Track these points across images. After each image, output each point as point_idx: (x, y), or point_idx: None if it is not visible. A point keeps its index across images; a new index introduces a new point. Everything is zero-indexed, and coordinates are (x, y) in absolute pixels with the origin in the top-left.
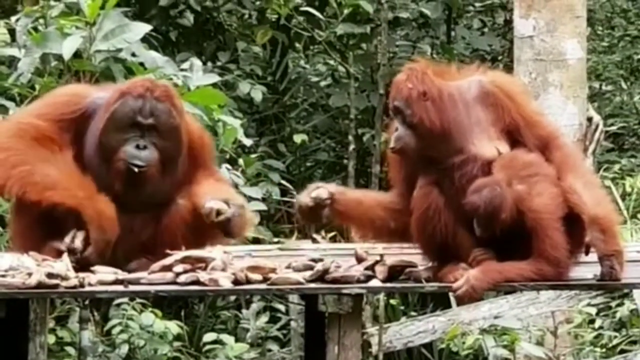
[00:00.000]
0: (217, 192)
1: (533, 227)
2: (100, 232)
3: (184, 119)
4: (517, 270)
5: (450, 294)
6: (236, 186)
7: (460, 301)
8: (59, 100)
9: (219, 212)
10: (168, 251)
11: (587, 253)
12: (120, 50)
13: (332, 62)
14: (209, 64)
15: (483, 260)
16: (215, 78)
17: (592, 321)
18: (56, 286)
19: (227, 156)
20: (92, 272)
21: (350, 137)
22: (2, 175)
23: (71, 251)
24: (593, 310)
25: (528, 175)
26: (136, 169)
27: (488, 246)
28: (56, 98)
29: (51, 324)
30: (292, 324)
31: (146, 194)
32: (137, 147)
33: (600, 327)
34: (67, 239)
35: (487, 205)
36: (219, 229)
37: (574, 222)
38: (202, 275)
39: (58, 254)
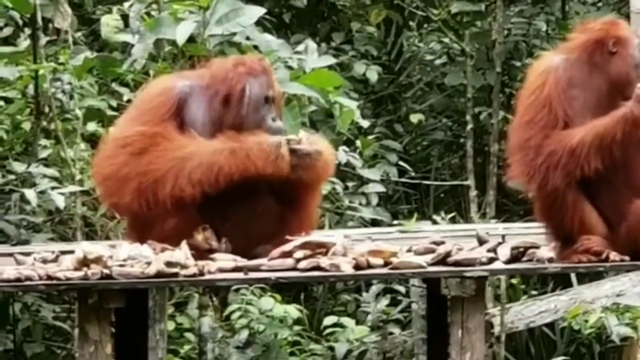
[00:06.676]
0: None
1: None
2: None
3: None
4: None
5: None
6: (354, 168)
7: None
8: (153, 104)
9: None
10: (288, 237)
11: None
12: (234, 34)
13: (446, 40)
14: (323, 45)
15: (590, 246)
16: (330, 60)
17: None
18: (175, 275)
19: (344, 138)
20: (212, 259)
21: (468, 116)
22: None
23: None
24: None
25: None
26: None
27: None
28: (150, 103)
29: (170, 311)
30: (414, 306)
31: None
32: (273, 120)
33: None
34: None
35: None
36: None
37: None
38: (323, 261)
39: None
